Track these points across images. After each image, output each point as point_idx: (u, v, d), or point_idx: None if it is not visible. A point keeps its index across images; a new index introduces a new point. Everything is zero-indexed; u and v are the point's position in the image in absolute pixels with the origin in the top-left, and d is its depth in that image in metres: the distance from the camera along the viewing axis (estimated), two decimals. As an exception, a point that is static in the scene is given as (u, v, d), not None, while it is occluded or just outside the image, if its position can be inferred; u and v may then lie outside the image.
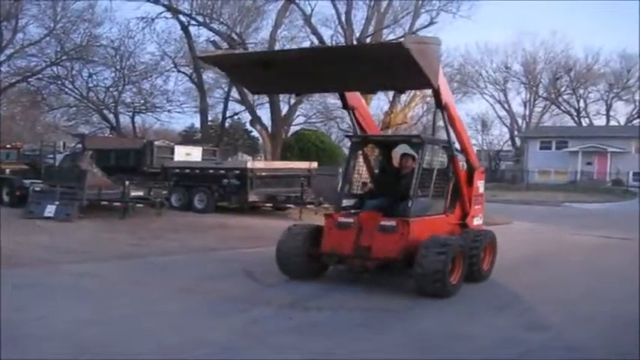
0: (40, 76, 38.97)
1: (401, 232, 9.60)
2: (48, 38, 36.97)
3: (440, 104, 10.27)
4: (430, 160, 10.33)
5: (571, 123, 72.12)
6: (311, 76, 9.94)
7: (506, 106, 71.91)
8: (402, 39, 8.64)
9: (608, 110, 72.44)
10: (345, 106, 11.11)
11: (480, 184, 12.02)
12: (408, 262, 9.43)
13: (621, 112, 73.73)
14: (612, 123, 70.98)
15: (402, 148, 11.73)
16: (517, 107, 73.37)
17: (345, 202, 10.75)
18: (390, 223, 9.71)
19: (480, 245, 10.67)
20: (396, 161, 11.64)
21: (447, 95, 10.63)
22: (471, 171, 11.73)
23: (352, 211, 10.62)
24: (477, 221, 11.87)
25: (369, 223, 9.89)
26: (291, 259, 10.25)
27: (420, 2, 27.96)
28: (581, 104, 72.85)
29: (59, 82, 40.32)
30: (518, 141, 69.90)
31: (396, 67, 8.75)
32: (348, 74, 9.59)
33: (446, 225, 10.78)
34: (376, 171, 11.82)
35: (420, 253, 9.17)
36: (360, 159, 11.41)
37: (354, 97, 11.41)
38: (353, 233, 9.88)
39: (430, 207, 10.37)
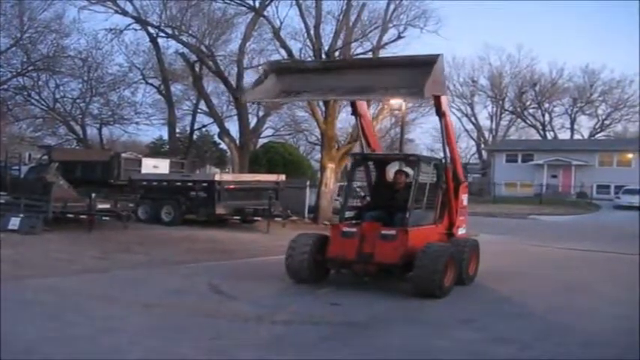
0: (5, 86, 38.38)
1: (400, 240, 10.80)
2: (14, 48, 36.46)
3: (439, 111, 11.69)
4: (423, 176, 11.61)
5: (536, 136, 73.44)
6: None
7: (473, 119, 73.03)
8: (423, 86, 9.73)
9: (572, 124, 73.97)
10: (354, 112, 12.52)
11: (464, 197, 13.17)
12: (405, 266, 10.63)
13: (585, 125, 75.34)
14: (576, 136, 72.42)
15: (393, 165, 13.75)
16: (484, 120, 74.57)
17: (347, 214, 12.20)
18: (391, 232, 10.93)
19: (467, 252, 11.87)
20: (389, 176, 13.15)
21: (446, 104, 12.03)
22: (457, 184, 12.76)
23: (354, 221, 11.85)
24: (461, 231, 13.10)
25: (370, 232, 11.02)
26: (299, 265, 11.23)
27: (388, 17, 28.10)
28: (546, 118, 74.36)
29: (25, 92, 39.70)
30: (484, 154, 70.78)
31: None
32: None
33: (436, 234, 11.98)
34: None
35: (419, 258, 10.27)
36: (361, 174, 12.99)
37: (362, 107, 12.81)
38: (356, 241, 10.99)
39: (423, 218, 11.63)
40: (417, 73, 9.94)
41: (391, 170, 13.57)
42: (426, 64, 10.06)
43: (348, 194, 12.75)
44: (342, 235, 11.26)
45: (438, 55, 10.24)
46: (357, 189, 14.87)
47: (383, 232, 10.95)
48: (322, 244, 11.42)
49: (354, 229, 11.28)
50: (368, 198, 12.93)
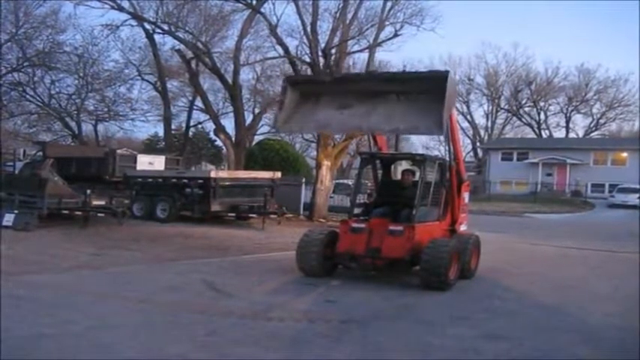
0: (0, 82, 38.28)
1: (407, 235, 11.23)
2: (9, 44, 36.36)
3: None
4: (428, 175, 12.13)
5: (532, 135, 73.53)
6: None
7: (468, 117, 73.07)
8: (442, 115, 10.10)
9: (567, 123, 74.14)
10: None
11: (465, 195, 13.52)
12: (412, 261, 11.18)
13: (580, 124, 75.64)
14: (571, 135, 72.54)
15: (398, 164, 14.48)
16: (479, 119, 74.76)
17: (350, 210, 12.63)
18: (398, 227, 11.37)
19: (469, 247, 12.31)
20: (394, 175, 13.76)
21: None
22: (459, 182, 13.07)
23: (362, 217, 12.23)
24: (462, 227, 13.49)
25: (378, 227, 11.51)
26: (310, 259, 11.63)
27: (385, 15, 28.10)
28: (542, 116, 74.45)
29: (20, 88, 39.62)
30: (480, 152, 70.84)
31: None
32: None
33: (440, 230, 12.38)
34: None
35: (425, 253, 10.74)
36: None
37: None
38: (365, 236, 11.46)
39: (428, 214, 12.06)
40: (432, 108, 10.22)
41: (397, 169, 14.19)
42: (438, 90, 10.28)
43: (356, 192, 13.35)
44: (351, 231, 11.65)
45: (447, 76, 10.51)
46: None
47: (391, 227, 11.38)
48: (332, 239, 11.81)
49: (362, 225, 11.70)
50: (374, 195, 13.35)
